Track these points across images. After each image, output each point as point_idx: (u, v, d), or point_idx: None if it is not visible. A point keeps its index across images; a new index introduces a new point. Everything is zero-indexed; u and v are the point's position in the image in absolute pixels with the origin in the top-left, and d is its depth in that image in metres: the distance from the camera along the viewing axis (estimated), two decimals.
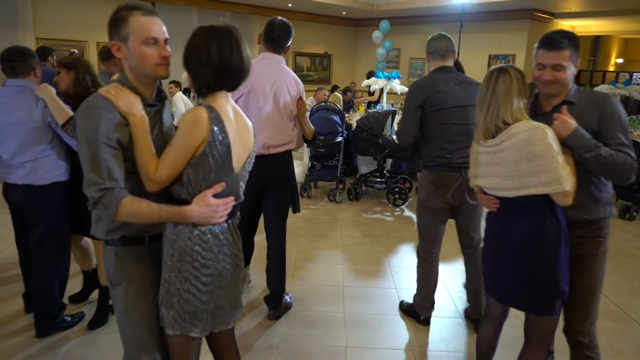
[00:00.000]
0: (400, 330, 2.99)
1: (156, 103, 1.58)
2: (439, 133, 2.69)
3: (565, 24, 11.28)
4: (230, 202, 1.54)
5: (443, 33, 2.79)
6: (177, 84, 7.68)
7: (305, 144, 3.13)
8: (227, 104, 1.56)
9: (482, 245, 2.65)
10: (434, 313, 3.07)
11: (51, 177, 2.61)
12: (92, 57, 8.58)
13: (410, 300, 3.16)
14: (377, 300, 3.39)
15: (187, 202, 1.48)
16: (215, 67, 1.47)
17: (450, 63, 2.76)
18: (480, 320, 2.91)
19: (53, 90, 2.59)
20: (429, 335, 2.95)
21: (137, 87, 1.51)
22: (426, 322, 3.05)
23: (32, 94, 2.55)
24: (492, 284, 2.10)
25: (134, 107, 1.46)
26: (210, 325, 1.58)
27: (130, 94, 1.47)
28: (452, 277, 3.70)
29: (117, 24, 1.45)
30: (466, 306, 3.12)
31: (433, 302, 3.04)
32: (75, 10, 8.55)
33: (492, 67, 1.95)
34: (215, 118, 1.46)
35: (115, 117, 1.42)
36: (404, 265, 3.98)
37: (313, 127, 2.99)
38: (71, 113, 2.53)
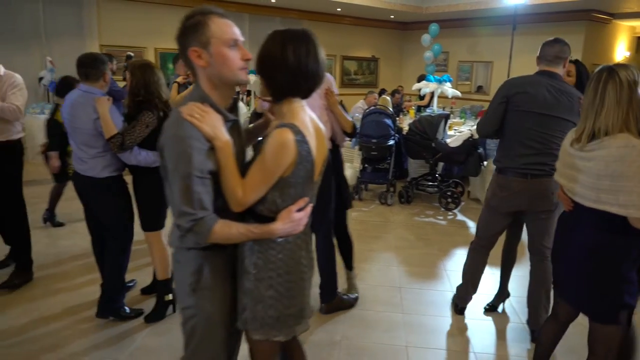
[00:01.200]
0: (460, 333, 3.00)
1: (236, 118, 1.54)
2: (514, 134, 2.68)
3: (625, 25, 10.84)
4: (309, 210, 1.55)
5: (558, 38, 2.66)
6: None
7: (358, 149, 3.17)
8: (306, 115, 1.51)
9: (548, 259, 2.69)
10: (496, 319, 3.07)
11: (107, 172, 2.85)
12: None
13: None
14: (434, 302, 3.40)
15: (269, 217, 1.48)
16: (291, 71, 1.42)
17: (557, 70, 2.63)
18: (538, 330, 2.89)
19: (108, 106, 2.75)
20: (491, 339, 2.95)
21: (217, 101, 1.45)
22: (461, 312, 3.16)
23: (92, 103, 2.74)
24: (558, 281, 2.13)
25: (219, 130, 1.40)
26: (293, 329, 1.60)
27: (213, 115, 1.41)
28: (515, 282, 3.65)
29: (195, 29, 1.38)
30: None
31: (470, 294, 3.13)
32: (135, 18, 8.99)
33: (601, 67, 1.85)
34: (302, 139, 1.43)
35: (204, 145, 1.37)
36: (461, 269, 3.95)
37: (351, 119, 3.01)
38: (116, 131, 2.71)
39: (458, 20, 11.27)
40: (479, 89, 11.86)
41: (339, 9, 10.70)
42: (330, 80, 2.91)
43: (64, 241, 4.35)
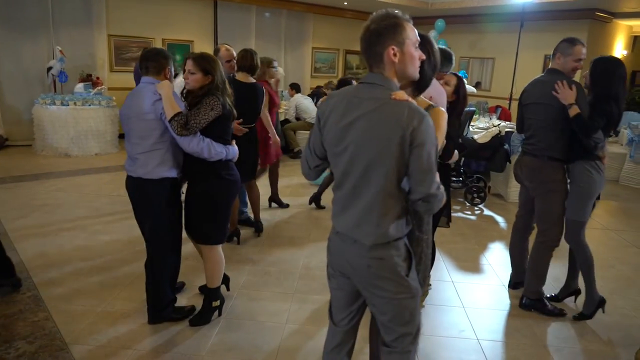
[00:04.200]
0: (527, 327, 3.06)
1: None
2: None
3: (624, 24, 11.10)
4: None
5: (569, 37, 3.08)
6: (295, 86, 8.56)
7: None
8: None
9: (542, 239, 3.13)
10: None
11: (160, 171, 2.65)
12: None
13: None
14: (490, 296, 3.47)
15: None
16: (433, 68, 1.87)
17: (554, 65, 3.07)
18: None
19: (171, 88, 2.61)
20: (564, 332, 3.02)
21: None
22: (514, 287, 3.53)
23: (153, 88, 2.62)
24: None
25: None
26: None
27: None
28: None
29: (394, 30, 1.56)
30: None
31: (514, 272, 3.56)
32: (144, 9, 8.80)
33: None
34: None
35: None
36: (503, 263, 4.04)
37: None
38: (180, 109, 2.55)
39: (463, 17, 11.35)
40: (477, 85, 11.95)
41: (345, 3, 10.67)
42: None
43: (102, 236, 4.27)
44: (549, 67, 3.13)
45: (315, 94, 10.14)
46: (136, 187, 2.71)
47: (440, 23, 10.18)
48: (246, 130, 3.79)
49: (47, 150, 7.34)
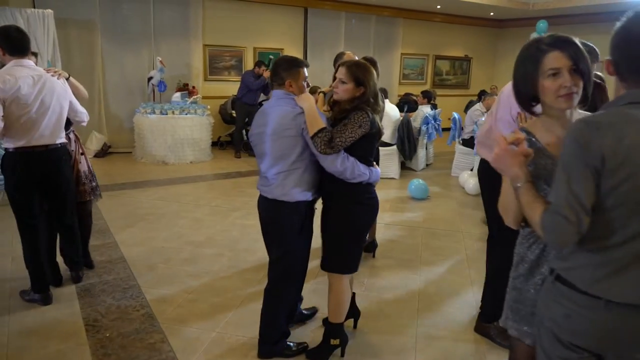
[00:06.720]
0: None
1: None
2: None
3: None
4: None
5: None
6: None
7: None
8: None
9: None
10: None
11: (296, 194, 2.42)
12: (249, 61, 8.94)
13: None
14: None
15: None
16: None
17: None
18: None
19: (312, 101, 2.38)
20: None
21: None
22: None
23: (291, 102, 2.39)
24: None
25: None
26: None
27: None
28: None
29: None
30: None
31: None
32: (236, 19, 8.91)
33: None
34: None
35: None
36: None
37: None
38: (324, 125, 2.30)
39: (568, 17, 10.44)
40: None
41: (438, 6, 10.20)
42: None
43: (207, 249, 4.19)
44: None
45: (405, 102, 9.77)
46: (270, 209, 2.50)
47: (542, 24, 9.42)
48: None
49: (146, 157, 7.57)
